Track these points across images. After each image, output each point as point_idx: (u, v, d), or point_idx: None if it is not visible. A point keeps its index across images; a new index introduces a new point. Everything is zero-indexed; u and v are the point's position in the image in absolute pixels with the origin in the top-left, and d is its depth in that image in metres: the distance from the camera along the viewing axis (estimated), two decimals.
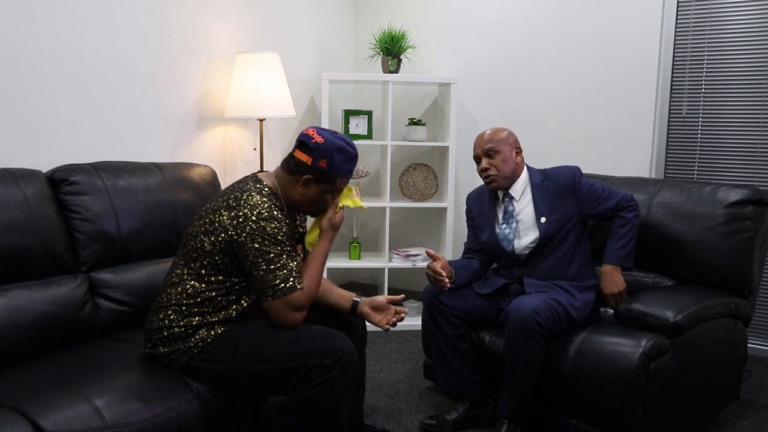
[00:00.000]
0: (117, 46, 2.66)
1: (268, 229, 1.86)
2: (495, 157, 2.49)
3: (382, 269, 3.68)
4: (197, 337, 1.93)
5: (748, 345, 2.67)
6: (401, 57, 3.70)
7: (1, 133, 2.28)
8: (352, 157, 1.99)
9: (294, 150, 1.99)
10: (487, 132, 2.55)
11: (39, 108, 2.39)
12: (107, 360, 1.98)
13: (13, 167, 2.15)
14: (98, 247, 2.24)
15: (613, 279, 2.45)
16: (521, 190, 2.54)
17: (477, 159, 2.55)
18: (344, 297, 2.21)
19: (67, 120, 2.49)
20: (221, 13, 3.18)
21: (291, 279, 1.89)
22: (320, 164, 1.94)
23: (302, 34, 3.78)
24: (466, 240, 2.75)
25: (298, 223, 2.15)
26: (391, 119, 3.65)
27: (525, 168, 2.58)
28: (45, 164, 2.32)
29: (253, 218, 1.86)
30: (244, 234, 1.86)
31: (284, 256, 1.89)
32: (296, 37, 3.73)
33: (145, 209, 2.38)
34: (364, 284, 4.32)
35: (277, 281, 1.87)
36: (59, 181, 2.22)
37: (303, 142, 1.97)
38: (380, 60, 3.73)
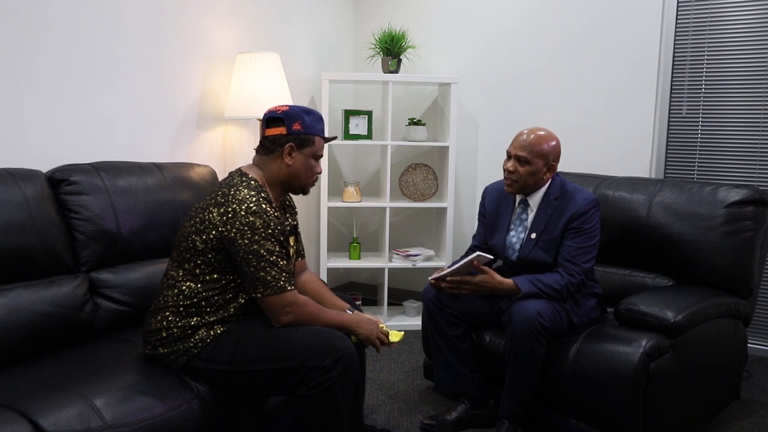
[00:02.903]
0: (117, 46, 2.66)
1: (258, 223, 1.86)
2: (524, 165, 2.39)
3: (382, 269, 3.68)
4: (197, 337, 1.93)
5: (748, 345, 2.67)
6: (401, 57, 3.70)
7: (1, 133, 2.28)
8: (319, 117, 2.05)
9: (264, 132, 2.03)
10: (531, 136, 2.39)
11: (39, 108, 2.39)
12: (107, 360, 1.98)
13: (13, 167, 2.15)
14: (98, 247, 2.24)
15: (491, 282, 2.33)
16: (539, 201, 2.47)
17: (508, 155, 2.45)
18: (338, 308, 2.17)
19: (67, 120, 2.49)
20: (221, 13, 3.18)
21: (282, 279, 1.89)
22: (295, 128, 1.99)
23: (302, 34, 3.78)
24: (474, 234, 2.73)
25: (288, 215, 2.15)
26: (391, 119, 3.65)
27: (550, 180, 2.46)
28: (45, 164, 2.32)
29: (242, 213, 1.86)
30: (234, 230, 1.86)
31: (275, 253, 1.89)
32: (296, 37, 3.73)
33: (145, 209, 2.38)
34: (364, 284, 4.32)
35: (269, 278, 1.87)
36: (59, 181, 2.22)
37: (270, 119, 2.01)
38: (380, 60, 3.73)
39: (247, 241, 1.86)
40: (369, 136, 3.69)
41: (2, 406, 1.64)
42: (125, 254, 2.32)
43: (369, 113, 3.69)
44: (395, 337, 2.11)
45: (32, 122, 2.37)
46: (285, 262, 1.93)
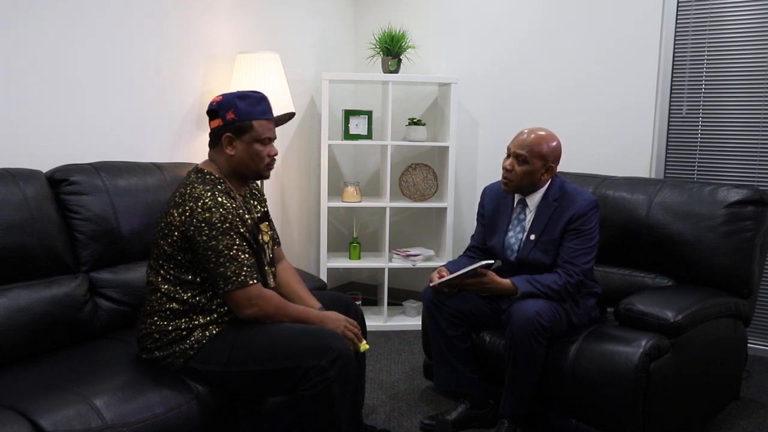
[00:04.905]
0: (117, 45, 2.66)
1: (214, 219, 1.85)
2: (522, 164, 2.39)
3: (382, 269, 3.68)
4: (192, 338, 1.92)
5: (748, 345, 2.67)
6: (401, 57, 3.70)
7: (1, 133, 2.28)
8: (258, 99, 1.99)
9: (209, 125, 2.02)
10: (531, 136, 2.39)
11: (39, 108, 2.39)
12: (107, 360, 1.98)
13: (13, 167, 2.15)
14: (98, 247, 2.24)
15: (489, 282, 2.34)
16: (538, 202, 2.47)
17: (507, 151, 2.45)
18: (310, 305, 2.14)
19: (67, 120, 2.49)
20: (221, 13, 3.18)
21: (243, 273, 1.88)
22: (229, 117, 1.95)
23: (302, 34, 3.78)
24: (473, 234, 2.73)
25: (255, 203, 2.13)
26: (391, 119, 3.65)
27: (549, 181, 2.46)
28: (45, 164, 2.32)
29: (199, 210, 1.85)
30: (192, 228, 1.86)
31: (234, 247, 1.87)
32: (296, 37, 3.73)
33: (145, 209, 2.38)
34: (364, 284, 4.32)
35: (228, 273, 1.86)
36: (59, 181, 2.22)
37: (208, 112, 2.00)
38: (380, 60, 3.73)
39: (205, 238, 1.85)
40: (369, 136, 3.69)
41: (2, 406, 1.64)
42: (125, 254, 2.32)
43: (369, 113, 3.69)
44: (364, 347, 2.07)
45: (32, 122, 2.37)
46: (246, 255, 1.90)
